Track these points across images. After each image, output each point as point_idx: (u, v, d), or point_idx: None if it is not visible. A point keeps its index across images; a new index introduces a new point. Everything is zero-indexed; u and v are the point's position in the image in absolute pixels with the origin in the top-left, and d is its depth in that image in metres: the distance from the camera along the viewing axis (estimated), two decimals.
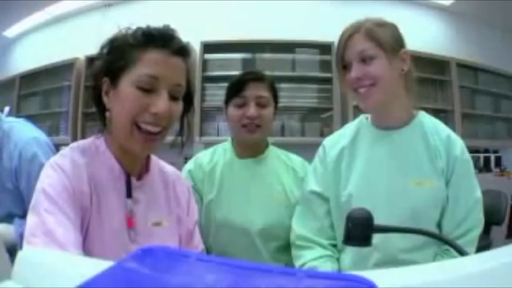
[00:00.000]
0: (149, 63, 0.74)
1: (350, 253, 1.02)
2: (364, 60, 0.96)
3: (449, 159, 0.97)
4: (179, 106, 0.80)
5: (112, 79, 0.77)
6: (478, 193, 0.98)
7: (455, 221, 0.96)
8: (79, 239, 0.69)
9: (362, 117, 1.12)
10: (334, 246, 1.07)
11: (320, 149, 1.13)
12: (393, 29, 1.00)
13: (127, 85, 0.74)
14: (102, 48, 0.80)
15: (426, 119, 1.04)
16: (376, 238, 0.92)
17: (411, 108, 1.04)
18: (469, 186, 0.97)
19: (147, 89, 0.74)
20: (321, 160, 1.10)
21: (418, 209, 0.94)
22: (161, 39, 0.76)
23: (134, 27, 0.79)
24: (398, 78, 0.98)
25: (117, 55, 0.76)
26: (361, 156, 1.03)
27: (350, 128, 1.12)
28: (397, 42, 0.99)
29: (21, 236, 1.17)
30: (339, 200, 1.03)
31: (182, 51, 0.79)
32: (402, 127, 1.01)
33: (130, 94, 0.74)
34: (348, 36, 0.98)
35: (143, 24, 0.79)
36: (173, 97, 0.77)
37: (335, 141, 1.10)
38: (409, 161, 0.98)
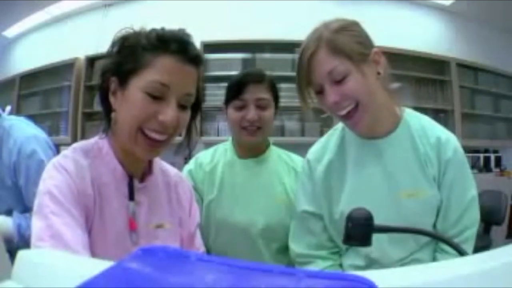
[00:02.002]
0: (161, 70, 0.71)
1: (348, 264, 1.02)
2: (336, 80, 0.85)
3: (441, 164, 0.92)
4: (187, 115, 0.78)
5: (120, 80, 0.74)
6: (473, 192, 0.93)
7: (449, 222, 0.93)
8: (86, 240, 0.68)
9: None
10: (336, 253, 1.05)
11: (305, 165, 1.06)
12: (355, 30, 0.89)
13: (135, 88, 0.72)
14: (112, 45, 0.76)
15: (413, 120, 0.97)
16: (374, 253, 0.93)
17: (396, 109, 0.96)
18: (462, 186, 0.92)
19: (156, 96, 0.71)
20: (308, 176, 1.04)
21: (412, 220, 0.90)
22: (176, 45, 0.72)
23: (148, 27, 0.76)
24: (377, 84, 0.88)
25: (128, 55, 0.73)
26: (350, 170, 0.98)
27: (333, 137, 1.04)
28: (364, 44, 0.88)
29: (18, 228, 1.18)
30: (332, 218, 0.99)
31: (197, 59, 0.76)
32: (389, 134, 0.95)
33: (138, 99, 0.71)
34: (310, 56, 0.86)
35: (141, 24, 0.76)
36: (181, 106, 0.75)
37: (320, 154, 1.03)
38: (399, 173, 0.93)
